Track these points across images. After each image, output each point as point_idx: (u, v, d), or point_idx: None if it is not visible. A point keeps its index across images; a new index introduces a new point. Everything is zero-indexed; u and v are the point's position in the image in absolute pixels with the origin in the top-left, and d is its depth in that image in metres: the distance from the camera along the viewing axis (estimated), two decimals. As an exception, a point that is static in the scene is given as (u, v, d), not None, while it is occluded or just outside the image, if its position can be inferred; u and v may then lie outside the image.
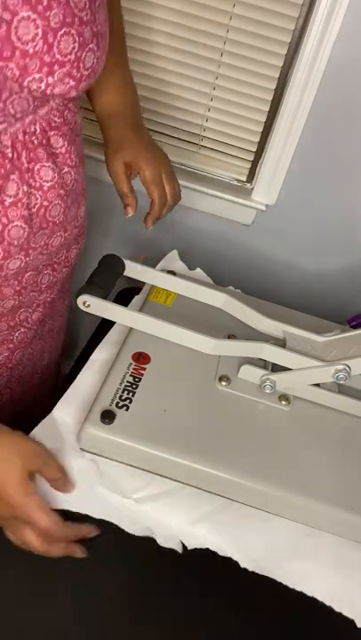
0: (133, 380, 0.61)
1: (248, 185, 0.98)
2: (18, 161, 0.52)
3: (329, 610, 0.52)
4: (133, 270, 0.75)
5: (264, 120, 0.92)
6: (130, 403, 0.58)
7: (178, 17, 0.85)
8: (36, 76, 0.46)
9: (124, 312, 0.66)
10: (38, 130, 0.53)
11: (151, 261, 0.82)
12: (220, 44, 0.86)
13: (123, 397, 0.59)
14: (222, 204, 0.98)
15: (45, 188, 0.56)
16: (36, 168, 0.54)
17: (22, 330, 0.70)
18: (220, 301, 0.76)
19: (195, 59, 0.88)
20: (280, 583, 0.53)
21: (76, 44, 0.47)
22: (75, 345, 1.12)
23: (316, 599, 0.52)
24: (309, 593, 0.52)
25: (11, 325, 0.68)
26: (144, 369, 0.63)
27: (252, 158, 0.96)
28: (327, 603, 0.52)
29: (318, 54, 0.80)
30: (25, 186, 0.53)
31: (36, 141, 0.53)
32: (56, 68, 0.47)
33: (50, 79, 0.47)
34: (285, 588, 0.52)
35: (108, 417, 0.56)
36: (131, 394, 0.59)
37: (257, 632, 0.50)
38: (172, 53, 0.89)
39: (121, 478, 0.56)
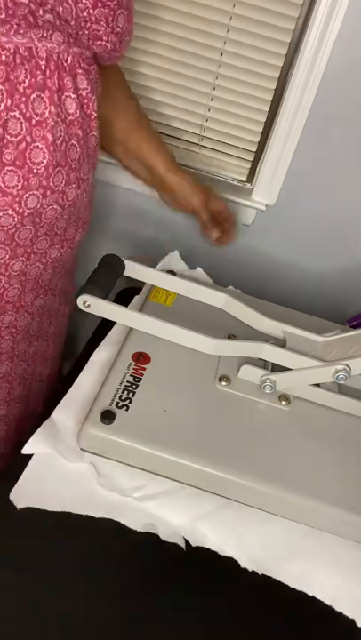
0: (133, 380, 0.61)
1: (248, 185, 0.98)
2: (49, 80, 0.54)
3: (329, 609, 0.52)
4: (133, 270, 0.75)
5: (264, 120, 0.92)
6: (130, 403, 0.58)
7: (178, 17, 0.85)
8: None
9: (124, 312, 0.66)
10: (70, 61, 0.56)
11: (151, 261, 0.82)
12: (220, 44, 0.86)
13: (123, 397, 0.59)
14: (222, 203, 0.98)
15: (67, 122, 0.58)
16: (63, 96, 0.56)
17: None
18: (221, 301, 0.76)
19: (195, 59, 0.88)
20: (280, 583, 0.53)
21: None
22: (75, 345, 1.12)
23: (316, 599, 0.52)
24: (310, 592, 0.52)
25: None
26: (144, 369, 0.63)
27: (252, 158, 0.96)
28: (327, 602, 0.52)
29: (318, 54, 0.80)
30: (53, 106, 0.56)
31: (68, 69, 0.56)
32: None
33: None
34: (285, 587, 0.53)
35: (108, 417, 0.56)
36: (131, 394, 0.59)
37: (257, 632, 0.50)
38: (172, 53, 0.89)
39: (121, 478, 0.56)
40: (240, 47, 0.86)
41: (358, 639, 0.51)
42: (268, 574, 0.53)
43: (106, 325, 0.72)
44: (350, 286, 1.04)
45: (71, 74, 0.56)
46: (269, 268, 1.06)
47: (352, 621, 0.51)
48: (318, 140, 0.89)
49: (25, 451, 0.55)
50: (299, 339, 0.70)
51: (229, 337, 0.72)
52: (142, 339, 0.66)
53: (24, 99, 0.53)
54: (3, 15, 0.48)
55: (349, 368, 0.61)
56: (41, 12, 0.51)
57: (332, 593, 0.53)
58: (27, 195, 0.57)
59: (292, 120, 0.87)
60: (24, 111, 0.54)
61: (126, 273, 0.75)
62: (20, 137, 0.54)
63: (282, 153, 0.91)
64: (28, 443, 0.56)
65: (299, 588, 0.53)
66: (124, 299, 0.74)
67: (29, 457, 0.55)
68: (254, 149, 0.95)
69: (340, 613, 0.52)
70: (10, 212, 0.57)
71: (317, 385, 0.65)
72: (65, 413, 0.60)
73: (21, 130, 0.54)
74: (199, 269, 0.91)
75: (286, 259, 1.04)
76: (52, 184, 0.59)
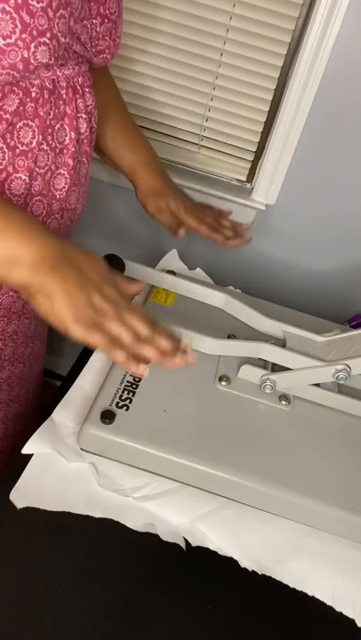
0: (133, 379, 0.61)
1: (248, 185, 0.98)
2: (69, 107, 0.55)
3: (329, 609, 0.52)
4: (133, 270, 0.75)
5: (264, 120, 0.92)
6: (130, 403, 0.58)
7: (178, 17, 0.85)
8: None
9: (124, 312, 0.66)
10: (80, 82, 0.56)
11: (151, 261, 0.82)
12: (220, 44, 0.86)
13: (123, 397, 0.59)
14: (222, 203, 0.98)
15: (80, 141, 0.59)
16: (78, 119, 0.57)
17: None
18: (220, 301, 0.76)
19: (195, 58, 0.88)
20: (280, 583, 0.53)
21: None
22: (74, 345, 1.12)
23: (316, 599, 0.52)
24: (310, 593, 0.52)
25: None
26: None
27: (252, 158, 0.96)
28: (328, 602, 0.52)
29: (318, 54, 0.80)
30: (73, 132, 0.56)
31: (80, 91, 0.56)
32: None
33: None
34: (285, 587, 0.53)
35: (108, 417, 0.56)
36: (131, 394, 0.59)
37: (257, 632, 0.50)
38: (172, 53, 0.89)
39: (121, 478, 0.56)
40: (240, 47, 0.86)
41: (358, 639, 0.51)
42: (268, 574, 0.53)
43: (106, 325, 0.72)
44: (350, 286, 1.04)
45: (82, 95, 0.57)
46: (269, 267, 1.06)
47: (352, 621, 0.51)
48: (318, 140, 0.89)
49: (25, 451, 0.55)
50: (299, 339, 0.70)
51: (229, 337, 0.72)
52: (142, 339, 0.66)
53: (50, 130, 0.54)
54: (52, 61, 0.48)
55: (349, 368, 0.61)
56: (73, 45, 0.51)
57: (332, 593, 0.53)
58: (49, 219, 0.59)
59: (293, 120, 0.87)
60: (50, 142, 0.54)
61: (126, 273, 0.75)
62: (46, 168, 0.55)
63: (282, 153, 0.91)
64: (28, 443, 0.55)
65: (299, 588, 0.53)
66: (123, 299, 0.74)
67: (29, 457, 0.55)
68: (254, 149, 0.95)
69: (340, 613, 0.52)
70: None
71: (317, 385, 0.65)
72: (65, 413, 0.60)
73: (48, 161, 0.55)
74: (199, 270, 0.91)
75: (286, 259, 1.04)
76: (68, 205, 0.61)
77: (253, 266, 1.06)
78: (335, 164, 0.91)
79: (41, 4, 0.44)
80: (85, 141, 0.60)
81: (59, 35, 0.47)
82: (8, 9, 0.42)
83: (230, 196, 0.96)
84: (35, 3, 0.44)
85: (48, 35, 0.46)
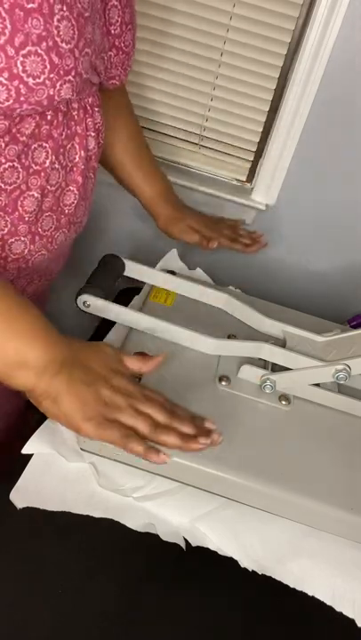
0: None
1: (248, 185, 0.98)
2: (79, 126, 0.56)
3: (329, 609, 0.52)
4: (133, 270, 0.75)
5: (264, 120, 0.92)
6: (130, 403, 0.58)
7: (178, 17, 0.85)
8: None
9: (124, 312, 0.66)
10: (90, 102, 0.57)
11: (151, 261, 0.82)
12: (220, 44, 0.86)
13: (123, 397, 0.59)
14: (222, 203, 0.98)
15: (88, 158, 0.59)
16: (87, 137, 0.58)
17: None
18: (221, 301, 0.76)
19: (195, 58, 0.88)
20: (280, 583, 0.53)
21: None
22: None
23: (316, 599, 0.52)
24: (310, 593, 0.52)
25: None
26: (144, 369, 0.63)
27: (252, 158, 0.96)
28: (328, 602, 0.52)
29: (318, 54, 0.80)
30: (82, 151, 0.57)
31: (90, 111, 0.57)
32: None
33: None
34: (286, 587, 0.53)
35: (108, 417, 0.56)
36: (131, 394, 0.59)
37: (257, 632, 0.50)
38: (172, 53, 0.89)
39: (121, 478, 0.56)
40: (240, 47, 0.86)
41: (358, 639, 0.51)
42: (268, 574, 0.53)
43: (106, 325, 0.72)
44: (350, 286, 1.04)
45: (92, 114, 0.58)
46: (269, 267, 1.06)
47: (352, 621, 0.51)
48: (318, 140, 0.89)
49: (25, 451, 0.55)
50: (299, 339, 0.70)
51: (229, 337, 0.72)
52: (142, 339, 0.66)
53: (62, 150, 0.55)
54: (74, 96, 0.50)
55: (349, 368, 0.61)
56: (92, 78, 0.53)
57: (332, 593, 0.53)
58: (57, 233, 0.60)
59: (292, 120, 0.87)
60: (62, 161, 0.55)
61: (126, 273, 0.75)
62: (56, 185, 0.56)
63: (282, 153, 0.91)
64: (28, 443, 0.55)
65: (299, 588, 0.53)
66: (124, 299, 0.74)
67: (29, 457, 0.55)
68: (254, 149, 0.95)
69: (340, 613, 0.52)
70: (43, 251, 0.59)
71: (317, 385, 0.65)
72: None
73: (59, 178, 0.56)
74: (199, 270, 0.91)
75: (286, 258, 1.04)
76: (75, 219, 0.62)
77: (253, 266, 1.06)
78: (335, 164, 0.91)
79: (69, 46, 0.46)
80: (93, 157, 0.61)
81: (82, 72, 0.49)
82: (40, 51, 0.44)
83: (230, 196, 0.96)
84: (64, 45, 0.45)
85: (73, 73, 0.47)
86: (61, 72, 0.46)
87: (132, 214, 1.05)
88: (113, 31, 0.57)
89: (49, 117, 0.51)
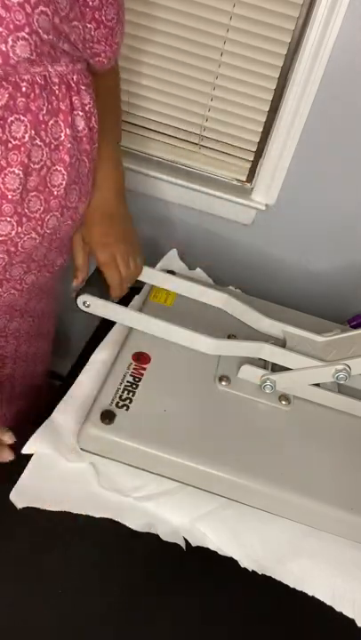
0: (133, 379, 0.61)
1: (248, 185, 0.98)
2: (62, 103, 0.55)
3: (329, 609, 0.52)
4: (133, 270, 0.75)
5: (264, 120, 0.91)
6: (130, 403, 0.58)
7: (178, 16, 0.85)
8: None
9: (124, 312, 0.66)
10: (75, 79, 0.56)
11: (151, 261, 0.82)
12: (220, 44, 0.86)
13: (123, 397, 0.59)
14: (222, 203, 0.98)
15: (78, 139, 0.59)
16: (74, 116, 0.57)
17: None
18: (221, 301, 0.76)
19: (195, 58, 0.88)
20: (280, 583, 0.53)
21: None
22: (74, 345, 1.12)
23: (316, 599, 0.52)
24: (310, 593, 0.52)
25: None
26: (144, 369, 0.63)
27: (252, 158, 0.96)
28: (328, 602, 0.52)
29: (318, 54, 0.80)
30: (68, 128, 0.56)
31: (75, 88, 0.56)
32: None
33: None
34: (286, 587, 0.53)
35: (108, 417, 0.56)
36: (131, 394, 0.59)
37: (257, 632, 0.50)
38: (172, 53, 0.89)
39: (121, 478, 0.56)
40: (240, 47, 0.86)
41: (358, 639, 0.51)
42: (268, 574, 0.53)
43: (106, 325, 0.72)
44: (350, 286, 1.04)
45: (77, 92, 0.57)
46: (269, 267, 1.06)
47: (352, 621, 0.51)
48: (318, 140, 0.89)
49: (25, 450, 0.55)
50: (299, 339, 0.70)
51: (229, 337, 0.72)
52: (142, 339, 0.66)
53: (43, 126, 0.54)
54: (33, 56, 0.49)
55: (349, 368, 0.61)
56: (60, 44, 0.52)
57: (332, 593, 0.53)
58: (47, 216, 0.59)
59: (292, 120, 0.87)
60: (44, 138, 0.54)
61: (126, 273, 0.75)
62: (41, 163, 0.55)
63: (282, 153, 0.91)
64: (28, 443, 0.56)
65: (299, 588, 0.53)
66: (124, 299, 0.74)
67: (29, 457, 0.55)
68: (254, 149, 0.95)
69: (340, 613, 0.52)
70: (33, 234, 0.59)
71: (317, 385, 0.65)
72: (65, 413, 0.60)
73: (42, 156, 0.55)
74: (199, 270, 0.91)
75: (286, 258, 1.04)
76: (68, 203, 0.61)
77: (253, 266, 1.06)
78: (335, 164, 0.91)
79: (17, 0, 0.45)
80: (85, 139, 0.60)
81: (40, 31, 0.47)
82: None
83: (230, 196, 0.96)
84: None
85: (27, 29, 0.46)
86: (11, 26, 0.45)
87: (131, 214, 1.05)
88: (91, 2, 0.54)
89: (24, 89, 0.51)
